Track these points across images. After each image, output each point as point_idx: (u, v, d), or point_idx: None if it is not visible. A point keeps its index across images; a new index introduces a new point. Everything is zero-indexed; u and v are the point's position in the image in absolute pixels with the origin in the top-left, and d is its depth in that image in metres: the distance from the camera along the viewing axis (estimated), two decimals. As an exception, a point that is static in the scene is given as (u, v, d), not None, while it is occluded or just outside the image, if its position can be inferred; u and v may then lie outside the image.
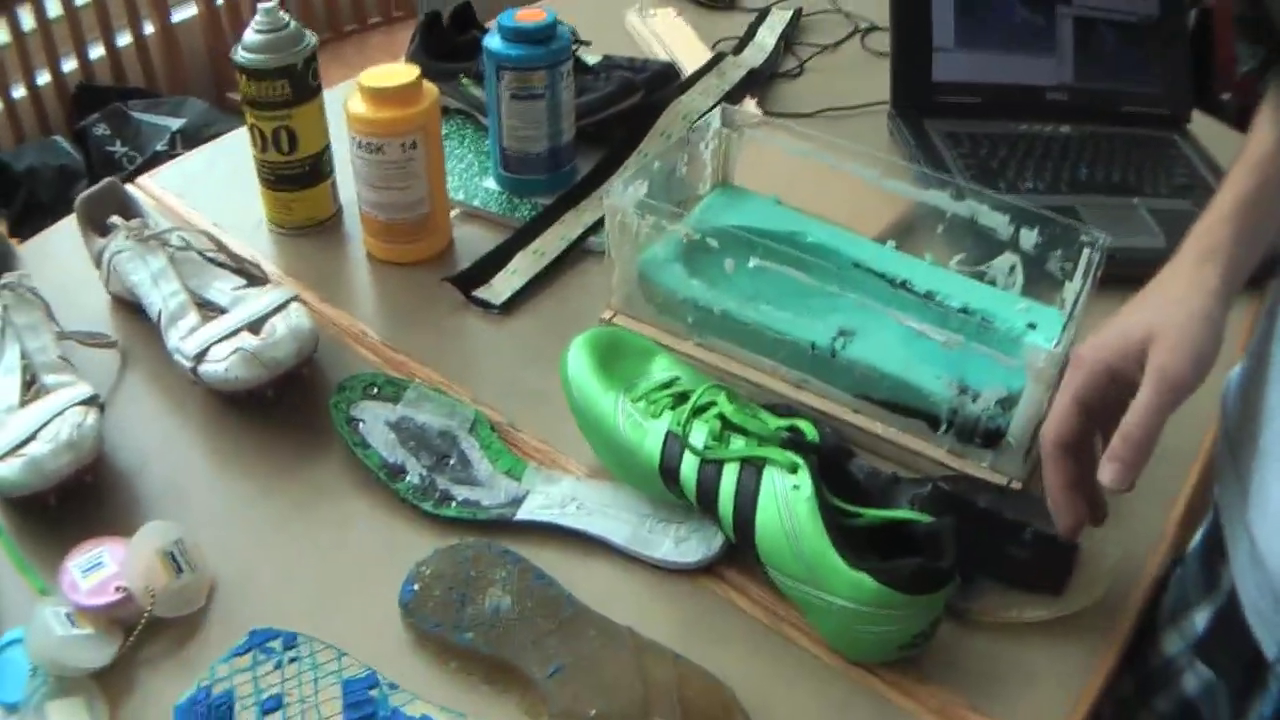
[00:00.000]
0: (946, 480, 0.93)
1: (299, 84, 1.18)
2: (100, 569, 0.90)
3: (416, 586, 0.87)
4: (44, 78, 2.59)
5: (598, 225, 1.25)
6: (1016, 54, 1.49)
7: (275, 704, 0.78)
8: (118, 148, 2.37)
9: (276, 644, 0.81)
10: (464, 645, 0.83)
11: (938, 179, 1.11)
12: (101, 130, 2.46)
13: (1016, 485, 0.96)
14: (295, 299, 1.06)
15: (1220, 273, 0.80)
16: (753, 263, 1.00)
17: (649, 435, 0.90)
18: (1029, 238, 1.07)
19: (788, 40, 1.68)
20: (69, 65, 2.61)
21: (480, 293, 1.17)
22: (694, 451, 0.88)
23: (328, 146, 1.25)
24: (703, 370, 1.01)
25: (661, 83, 1.43)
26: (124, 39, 2.69)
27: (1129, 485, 0.77)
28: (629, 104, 1.37)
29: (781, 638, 0.87)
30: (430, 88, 1.16)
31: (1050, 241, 1.06)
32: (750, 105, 1.50)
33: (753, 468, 0.85)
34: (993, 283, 1.09)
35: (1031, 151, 1.41)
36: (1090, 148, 1.43)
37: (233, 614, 0.90)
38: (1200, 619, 0.91)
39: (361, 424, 1.00)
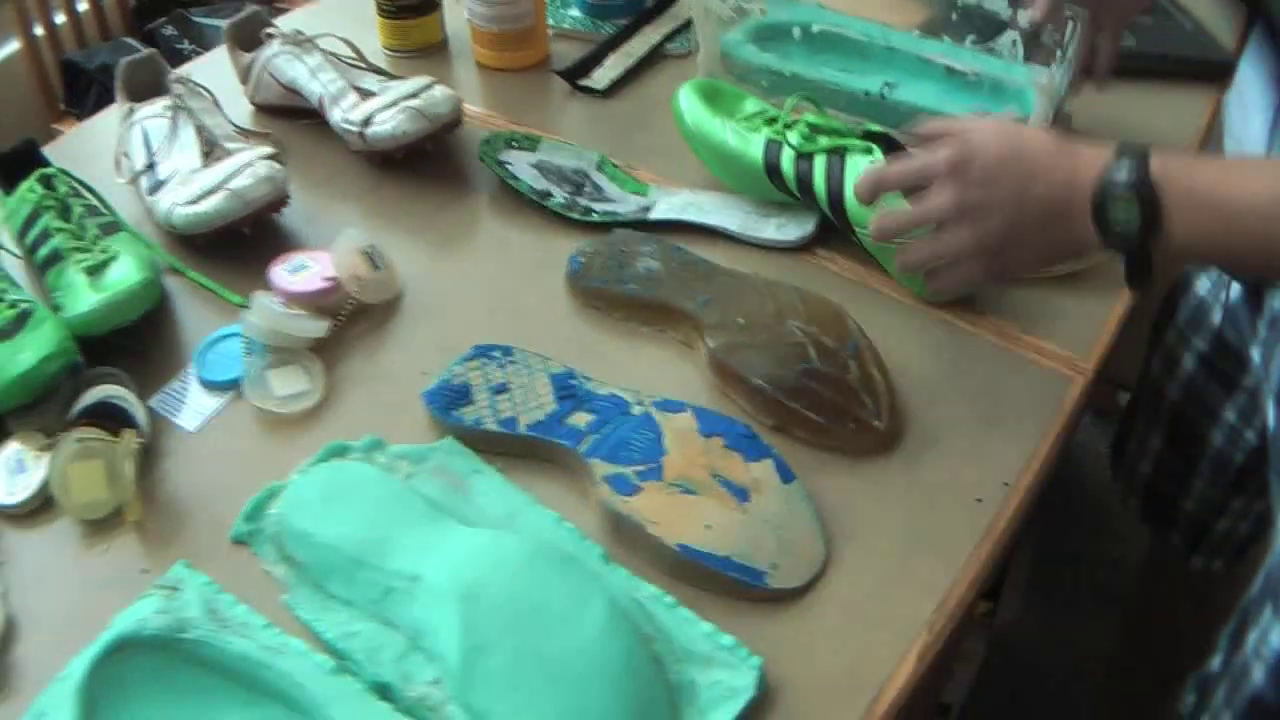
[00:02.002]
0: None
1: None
2: (304, 270, 1.07)
3: (582, 259, 1.11)
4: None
5: (673, 34, 1.49)
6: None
7: (502, 388, 0.97)
8: (186, 45, 2.53)
9: (497, 353, 1.00)
10: (628, 294, 1.07)
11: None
12: (170, 31, 2.62)
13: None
14: (437, 82, 1.28)
15: None
16: (817, 28, 1.26)
17: (752, 144, 1.15)
18: (1024, 17, 1.29)
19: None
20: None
21: (584, 82, 1.41)
22: (791, 147, 1.13)
23: (438, -19, 1.48)
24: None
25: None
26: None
27: None
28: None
29: (867, 289, 1.12)
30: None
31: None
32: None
33: (838, 155, 1.11)
34: (999, 56, 1.34)
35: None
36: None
37: (423, 305, 1.11)
38: None
39: (509, 165, 1.24)
